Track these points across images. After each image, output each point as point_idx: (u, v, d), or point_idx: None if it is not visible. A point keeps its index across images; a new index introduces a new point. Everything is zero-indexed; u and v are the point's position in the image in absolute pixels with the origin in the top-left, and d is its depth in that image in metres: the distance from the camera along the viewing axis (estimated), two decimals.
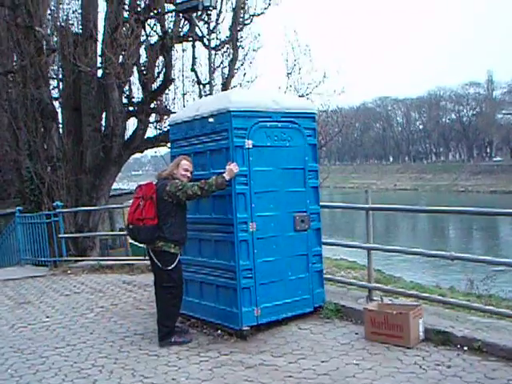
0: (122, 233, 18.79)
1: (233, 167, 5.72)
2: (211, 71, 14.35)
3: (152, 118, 15.34)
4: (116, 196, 18.90)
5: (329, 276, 7.55)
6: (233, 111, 5.84)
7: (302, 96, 14.68)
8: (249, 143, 5.91)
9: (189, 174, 5.94)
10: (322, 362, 5.17)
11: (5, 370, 5.44)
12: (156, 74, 14.44)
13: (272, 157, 6.13)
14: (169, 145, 7.81)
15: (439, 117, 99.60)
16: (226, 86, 14.66)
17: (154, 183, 5.95)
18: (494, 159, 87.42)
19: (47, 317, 7.39)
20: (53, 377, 5.17)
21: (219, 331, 6.16)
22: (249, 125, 5.93)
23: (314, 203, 6.50)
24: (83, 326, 6.83)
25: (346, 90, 15.84)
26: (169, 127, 7.19)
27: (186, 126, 6.54)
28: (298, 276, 6.33)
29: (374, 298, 6.69)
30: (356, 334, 5.88)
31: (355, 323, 6.22)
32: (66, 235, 12.26)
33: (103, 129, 14.43)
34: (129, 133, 14.66)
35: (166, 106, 15.38)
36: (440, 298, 6.77)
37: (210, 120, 6.06)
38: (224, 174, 5.70)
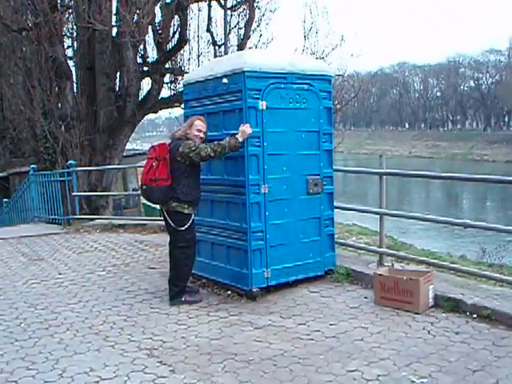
0: (135, 192, 18.94)
1: (246, 128, 5.67)
2: (227, 32, 14.18)
3: (166, 78, 15.26)
4: (130, 156, 18.92)
5: (340, 240, 7.54)
6: (247, 71, 5.75)
7: (319, 59, 14.47)
8: (263, 104, 5.84)
9: (202, 135, 5.88)
10: (331, 324, 5.19)
11: (18, 324, 5.53)
12: (171, 34, 14.26)
13: (286, 119, 6.05)
14: (183, 105, 7.73)
15: (457, 84, 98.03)
16: (241, 48, 14.49)
17: (168, 143, 5.92)
18: None
19: (60, 274, 7.48)
20: (64, 332, 5.25)
21: (229, 292, 6.21)
22: (263, 86, 5.84)
23: (327, 167, 6.45)
24: (95, 284, 6.91)
25: (363, 54, 15.69)
26: (183, 87, 7.12)
27: (200, 86, 6.46)
28: (310, 239, 6.33)
29: (385, 264, 6.69)
30: (365, 298, 5.89)
31: (365, 287, 6.23)
32: (80, 194, 12.34)
33: (117, 88, 14.36)
34: (143, 93, 14.62)
35: (180, 67, 15.27)
36: (451, 265, 6.75)
37: (224, 80, 5.98)
38: (237, 136, 5.65)
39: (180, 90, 14.29)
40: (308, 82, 6.20)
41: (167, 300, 6.00)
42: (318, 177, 6.33)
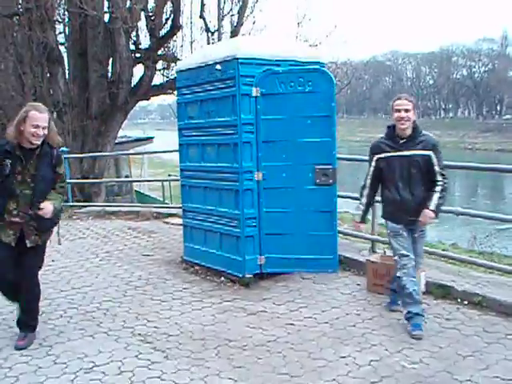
0: (127, 179, 18.87)
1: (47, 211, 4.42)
2: (220, 18, 14.08)
3: (159, 65, 15.16)
4: (122, 143, 18.84)
5: None
6: (240, 58, 5.75)
7: (312, 46, 14.43)
8: (256, 91, 5.82)
9: (40, 132, 4.36)
10: (323, 311, 5.23)
11: (11, 310, 5.51)
12: (164, 21, 14.14)
13: (286, 104, 5.81)
14: (176, 92, 7.70)
15: (450, 72, 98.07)
16: (235, 34, 14.38)
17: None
18: (504, 117, 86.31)
19: (53, 260, 7.44)
20: (58, 318, 5.26)
21: (222, 278, 6.24)
22: (257, 72, 5.82)
23: None
24: (88, 270, 6.91)
25: (356, 41, 15.63)
26: (176, 74, 7.10)
27: (193, 73, 6.44)
28: (319, 233, 5.90)
29: (377, 251, 6.73)
30: (358, 284, 5.94)
31: (358, 274, 6.28)
32: (72, 181, 12.29)
33: (110, 75, 14.27)
34: (135, 79, 14.51)
35: (173, 54, 15.16)
36: (443, 252, 6.80)
37: (218, 67, 5.96)
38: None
39: (173, 76, 14.21)
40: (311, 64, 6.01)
41: (161, 287, 6.04)
42: (330, 166, 5.80)
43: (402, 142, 4.72)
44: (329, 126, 5.78)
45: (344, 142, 73.23)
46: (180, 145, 6.82)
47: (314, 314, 5.16)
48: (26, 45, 14.44)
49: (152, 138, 22.68)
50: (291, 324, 4.93)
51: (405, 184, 4.70)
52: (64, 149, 11.80)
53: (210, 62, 6.10)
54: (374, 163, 4.87)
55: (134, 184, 19.84)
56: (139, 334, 4.80)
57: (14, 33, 15.66)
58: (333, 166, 5.82)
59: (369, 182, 4.95)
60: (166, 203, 16.14)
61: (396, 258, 4.80)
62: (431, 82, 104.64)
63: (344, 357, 4.26)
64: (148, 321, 5.12)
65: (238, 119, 5.81)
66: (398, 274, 4.78)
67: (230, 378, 3.97)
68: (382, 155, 4.79)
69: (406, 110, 4.65)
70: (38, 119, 4.36)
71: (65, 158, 11.40)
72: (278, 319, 5.06)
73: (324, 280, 6.11)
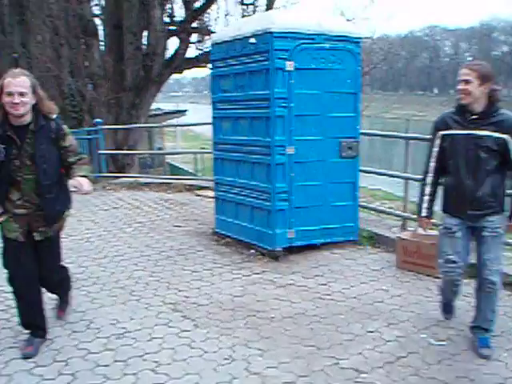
0: (160, 152, 19.04)
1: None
2: None
3: (193, 38, 15.19)
4: (156, 116, 19.00)
5: (364, 204, 7.55)
6: (274, 32, 5.70)
7: (348, 20, 14.24)
8: (290, 65, 5.80)
9: (16, 99, 3.64)
10: (352, 286, 5.26)
11: None
12: None
13: (317, 79, 5.95)
14: (209, 66, 7.70)
15: (490, 49, 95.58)
16: (270, 7, 14.31)
17: None
18: None
19: (87, 229, 7.63)
20: (91, 285, 5.40)
21: (252, 251, 6.29)
22: (291, 46, 5.78)
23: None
24: (121, 240, 7.05)
25: (393, 16, 15.34)
26: (210, 47, 7.10)
27: (227, 46, 6.43)
28: (342, 203, 6.31)
29: (408, 228, 6.69)
30: (387, 261, 5.93)
31: (387, 251, 6.26)
32: (106, 152, 12.45)
33: (144, 47, 14.34)
34: (170, 52, 14.59)
35: (207, 26, 15.16)
36: None
37: (252, 40, 5.94)
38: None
39: (206, 49, 14.23)
40: (342, 42, 6.09)
41: (192, 257, 6.13)
42: (354, 140, 6.26)
43: (471, 118, 3.83)
44: (354, 102, 6.23)
45: (378, 118, 72.36)
46: (213, 118, 6.84)
47: (343, 288, 5.19)
48: (62, 17, 14.59)
49: (185, 111, 22.81)
50: (319, 298, 4.97)
51: (469, 169, 3.83)
52: (99, 120, 11.98)
53: (245, 36, 6.07)
54: (438, 141, 4.02)
55: (167, 156, 20.00)
56: (170, 303, 4.90)
57: (51, 5, 15.82)
58: (357, 139, 6.27)
59: (433, 165, 4.07)
60: (199, 176, 16.28)
61: (440, 261, 4.13)
62: (470, 58, 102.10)
63: (371, 331, 4.29)
64: (179, 290, 5.22)
65: (271, 93, 5.80)
66: (439, 284, 4.45)
67: (257, 348, 4.04)
68: (448, 132, 3.94)
69: (466, 82, 3.76)
70: (11, 85, 3.65)
71: (99, 129, 11.62)
72: (307, 292, 5.10)
73: (353, 255, 6.13)
